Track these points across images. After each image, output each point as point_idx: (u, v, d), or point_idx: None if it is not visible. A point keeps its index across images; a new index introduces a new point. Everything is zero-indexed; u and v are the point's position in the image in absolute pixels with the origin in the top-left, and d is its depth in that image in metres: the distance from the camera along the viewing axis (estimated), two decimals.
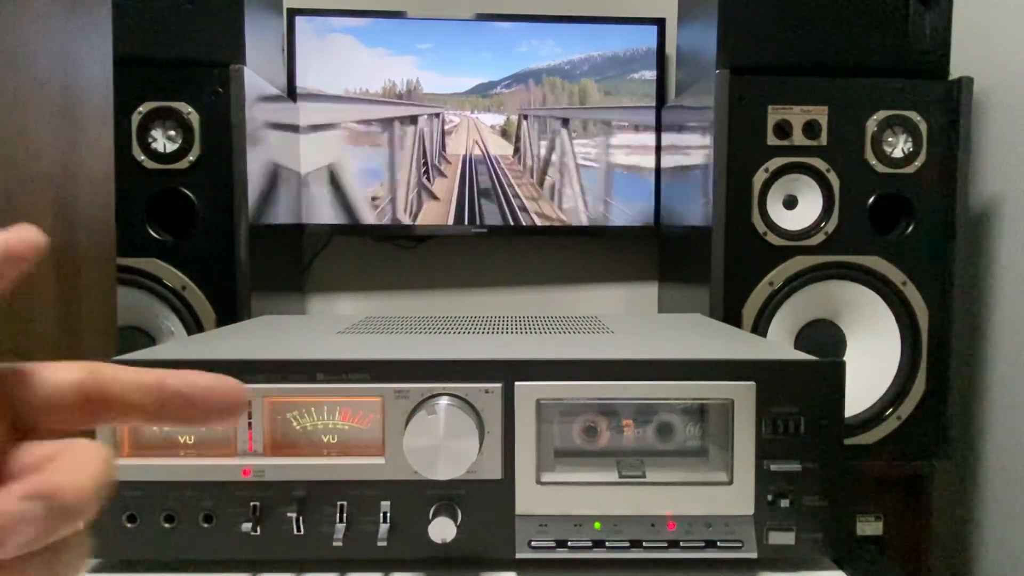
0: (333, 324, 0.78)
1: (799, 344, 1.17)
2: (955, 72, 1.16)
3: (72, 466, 0.22)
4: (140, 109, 1.11)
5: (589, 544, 0.49)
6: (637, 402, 0.51)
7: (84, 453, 0.23)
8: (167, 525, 0.49)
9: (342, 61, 1.50)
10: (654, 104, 1.53)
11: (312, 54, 1.49)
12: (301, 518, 0.49)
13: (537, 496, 0.49)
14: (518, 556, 0.49)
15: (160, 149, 1.12)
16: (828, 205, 1.14)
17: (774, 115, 1.13)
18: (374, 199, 1.54)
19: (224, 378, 0.25)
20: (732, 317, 1.12)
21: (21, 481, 0.21)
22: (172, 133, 1.12)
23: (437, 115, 1.57)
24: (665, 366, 0.50)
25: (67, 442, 0.23)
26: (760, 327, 1.13)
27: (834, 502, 0.49)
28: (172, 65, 1.12)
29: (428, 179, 1.58)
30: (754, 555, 0.49)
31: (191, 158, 1.11)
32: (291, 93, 1.48)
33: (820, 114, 1.13)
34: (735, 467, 0.49)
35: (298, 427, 0.50)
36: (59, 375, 0.24)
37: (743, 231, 1.13)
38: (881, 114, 1.14)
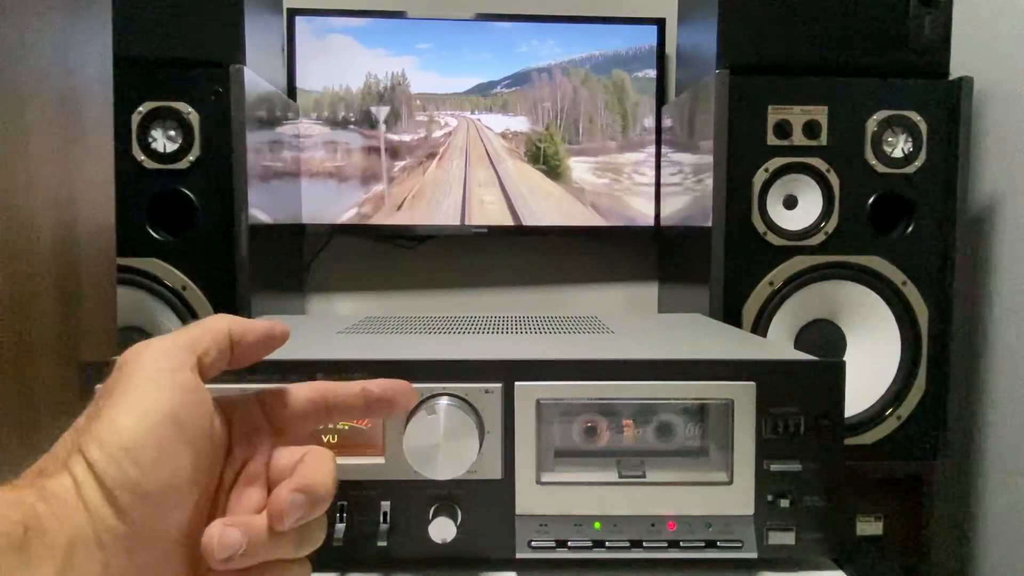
0: (333, 324, 0.78)
1: (799, 344, 1.17)
2: (955, 72, 1.16)
3: (317, 467, 0.32)
4: (140, 109, 1.11)
5: (589, 544, 0.49)
6: (637, 402, 0.51)
7: (321, 457, 0.33)
8: None
9: (341, 61, 1.50)
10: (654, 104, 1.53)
11: (312, 54, 1.49)
12: None
13: (537, 496, 0.49)
14: (518, 556, 0.49)
15: (160, 149, 1.12)
16: (828, 205, 1.14)
17: (774, 115, 1.13)
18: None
19: (401, 381, 0.37)
20: (732, 317, 1.12)
21: (288, 479, 0.31)
22: (172, 133, 1.12)
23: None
24: (665, 366, 0.50)
25: (306, 448, 0.34)
26: (760, 327, 1.13)
27: (834, 502, 0.49)
28: (172, 65, 1.12)
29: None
30: (754, 555, 0.49)
31: (191, 158, 1.11)
32: (291, 93, 1.48)
33: (820, 114, 1.13)
34: (735, 467, 0.49)
35: None
36: (300, 393, 0.35)
37: (743, 231, 1.13)
38: (881, 114, 1.14)
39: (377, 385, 0.37)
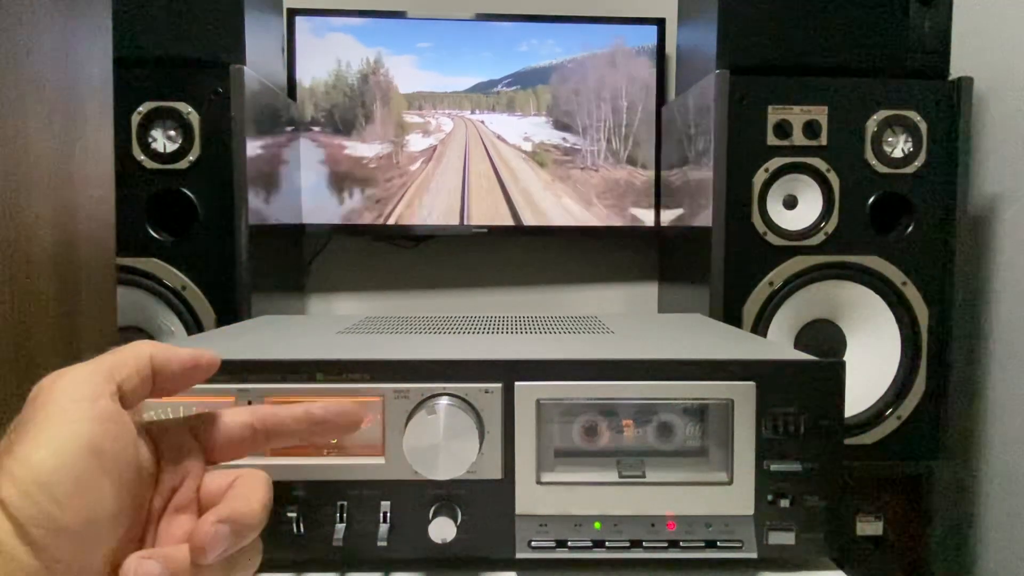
0: (333, 324, 0.78)
1: (799, 344, 1.17)
2: (955, 72, 1.16)
3: (246, 493, 0.31)
4: (140, 109, 1.11)
5: (589, 544, 0.49)
6: (637, 402, 0.51)
7: (253, 481, 0.32)
8: None
9: (340, 61, 1.49)
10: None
11: (312, 53, 1.49)
12: (301, 518, 0.49)
13: (537, 496, 0.49)
14: (518, 556, 0.49)
15: (160, 149, 1.12)
16: (828, 205, 1.14)
17: (774, 115, 1.13)
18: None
19: (345, 403, 0.36)
20: (732, 317, 1.12)
21: (213, 509, 0.30)
22: (172, 133, 1.12)
23: None
24: (665, 366, 0.50)
25: (238, 472, 0.32)
26: (760, 327, 1.13)
27: (834, 502, 0.49)
28: (172, 65, 1.12)
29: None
30: (754, 555, 0.49)
31: (191, 158, 1.11)
32: (291, 93, 1.48)
33: (820, 114, 1.13)
34: (735, 467, 0.49)
35: None
36: (234, 418, 0.34)
37: (743, 231, 1.13)
38: (881, 114, 1.14)
39: (320, 408, 0.35)
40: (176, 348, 0.34)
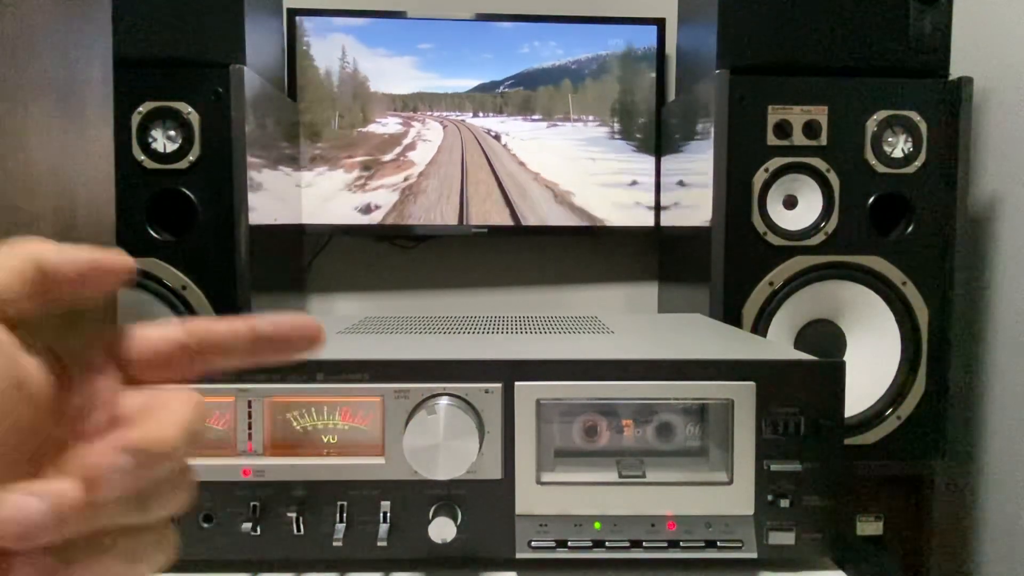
0: (333, 324, 0.78)
1: (799, 344, 1.17)
2: (955, 72, 1.16)
3: (160, 415, 0.26)
4: (140, 109, 1.11)
5: (589, 544, 0.49)
6: (637, 402, 0.51)
7: (173, 401, 0.26)
8: None
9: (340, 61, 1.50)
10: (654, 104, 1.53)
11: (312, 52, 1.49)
12: (301, 518, 0.49)
13: (537, 496, 0.49)
14: (518, 556, 0.49)
15: (160, 149, 1.12)
16: (828, 205, 1.14)
17: (774, 115, 1.13)
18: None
19: (303, 316, 0.30)
20: (732, 317, 1.12)
21: (114, 434, 0.24)
22: (172, 133, 1.12)
23: None
24: (665, 366, 0.50)
25: (165, 392, 0.27)
26: (760, 327, 1.13)
27: (834, 502, 0.49)
28: (172, 65, 1.12)
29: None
30: (754, 555, 0.49)
31: (191, 158, 1.11)
32: (291, 93, 1.48)
33: (820, 114, 1.13)
34: (735, 467, 0.49)
35: (298, 427, 0.50)
36: (161, 334, 0.28)
37: (743, 231, 1.13)
38: (881, 114, 1.14)
39: (269, 322, 0.29)
40: (72, 248, 0.27)
